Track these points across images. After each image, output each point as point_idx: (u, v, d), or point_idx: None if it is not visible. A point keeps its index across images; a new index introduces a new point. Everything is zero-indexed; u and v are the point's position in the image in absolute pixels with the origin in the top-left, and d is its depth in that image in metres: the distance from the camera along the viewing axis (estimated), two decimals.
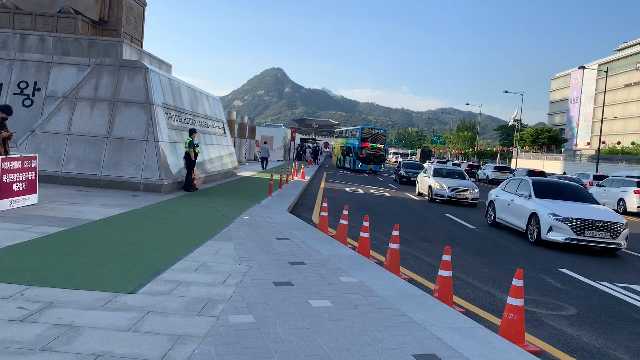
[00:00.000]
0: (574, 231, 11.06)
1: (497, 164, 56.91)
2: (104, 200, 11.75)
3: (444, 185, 20.23)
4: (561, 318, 6.26)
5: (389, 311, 5.26)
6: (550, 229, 11.36)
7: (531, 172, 40.69)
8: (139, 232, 8.49)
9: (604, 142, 60.00)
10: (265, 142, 34.46)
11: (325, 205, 10.55)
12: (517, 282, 5.03)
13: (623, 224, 11.23)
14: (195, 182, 15.77)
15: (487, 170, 45.24)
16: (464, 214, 17.12)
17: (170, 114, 16.13)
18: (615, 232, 11.10)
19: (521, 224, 12.75)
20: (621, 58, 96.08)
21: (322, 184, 25.14)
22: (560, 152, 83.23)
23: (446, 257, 6.14)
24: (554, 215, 11.38)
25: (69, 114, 14.72)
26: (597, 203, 12.78)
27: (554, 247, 11.77)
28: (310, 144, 65.54)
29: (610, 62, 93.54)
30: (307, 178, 26.33)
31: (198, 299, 5.21)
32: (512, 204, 13.50)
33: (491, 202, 15.07)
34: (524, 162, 77.47)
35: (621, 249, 11.43)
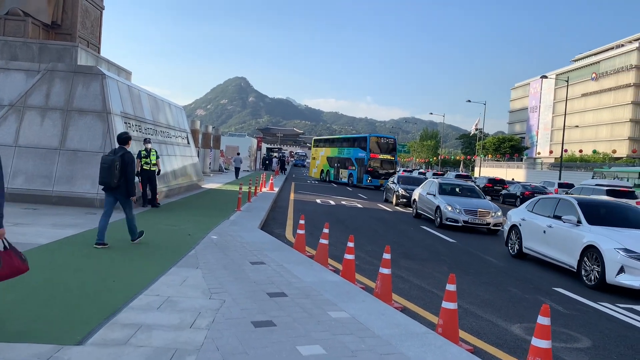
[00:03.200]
0: None
1: (459, 172, 57.34)
2: (54, 220, 10.56)
3: (458, 208, 15.98)
4: (578, 353, 5.56)
5: (393, 358, 4.42)
6: (621, 270, 8.45)
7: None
8: (93, 259, 7.43)
9: (566, 150, 61.15)
10: (238, 153, 37.40)
11: (302, 222, 9.67)
12: (543, 320, 4.29)
13: None
14: (158, 197, 14.64)
15: (448, 178, 45.28)
16: (434, 224, 16.48)
17: (129, 123, 14.99)
18: None
19: (569, 260, 9.73)
20: (578, 68, 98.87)
21: (292, 196, 24.24)
22: (522, 160, 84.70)
23: (451, 287, 5.35)
24: (627, 251, 8.49)
25: (16, 124, 13.41)
26: None
27: (537, 261, 11.20)
28: (276, 154, 64.56)
29: (567, 72, 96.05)
30: (276, 189, 25.39)
31: (162, 350, 4.26)
32: (551, 231, 10.54)
33: (514, 226, 12.11)
34: (486, 170, 78.41)
35: None
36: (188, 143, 22.30)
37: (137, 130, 15.58)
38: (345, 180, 38.94)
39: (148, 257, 7.80)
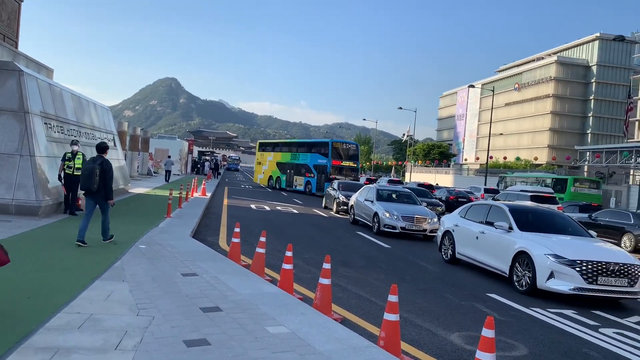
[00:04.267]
0: (584, 278, 8.42)
1: (391, 178, 58.62)
2: None
3: (396, 214, 16.08)
4: None
5: None
6: (551, 275, 8.64)
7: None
8: (5, 272, 6.73)
9: (491, 157, 63.89)
10: (169, 156, 36.62)
11: (237, 230, 9.30)
12: (487, 333, 4.23)
13: (639, 266, 8.75)
14: (80, 202, 13.73)
15: (382, 184, 46.06)
16: (372, 230, 16.53)
17: (50, 124, 14.00)
18: (633, 278, 8.57)
19: (502, 265, 9.87)
20: (502, 79, 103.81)
21: (225, 201, 23.64)
22: (450, 166, 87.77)
23: (392, 298, 5.21)
24: (556, 256, 8.69)
25: None
26: (591, 236, 10.33)
27: (470, 267, 11.42)
28: (209, 157, 63.25)
29: (492, 82, 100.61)
30: (209, 194, 24.68)
31: None
32: (484, 237, 10.69)
33: (447, 232, 12.23)
34: (417, 175, 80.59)
35: (639, 299, 9.12)
36: (114, 145, 21.23)
37: (59, 132, 14.58)
38: (301, 188, 36.71)
39: (69, 270, 7.19)
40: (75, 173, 12.86)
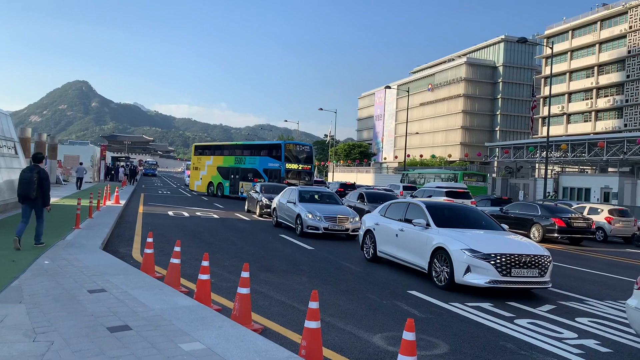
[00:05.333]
0: (499, 271, 8.68)
1: (315, 178, 58.93)
2: None
3: (319, 215, 15.99)
4: (438, 359, 5.60)
5: None
6: (468, 270, 8.85)
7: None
8: None
9: (408, 155, 65.86)
10: (81, 163, 36.05)
11: (150, 240, 8.79)
12: (408, 336, 4.14)
13: (549, 256, 9.21)
14: None
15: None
16: (295, 232, 16.38)
17: None
18: (543, 268, 8.98)
19: (421, 262, 10.03)
20: (416, 80, 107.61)
21: (141, 208, 22.60)
22: (370, 165, 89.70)
23: (313, 305, 5.04)
24: (472, 251, 8.90)
25: None
26: (503, 229, 10.65)
27: (391, 264, 11.53)
28: (123, 163, 60.62)
29: (407, 83, 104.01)
30: (123, 202, 23.47)
31: None
32: (403, 235, 10.84)
33: (369, 231, 12.34)
34: (339, 175, 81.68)
35: (549, 288, 9.36)
36: (16, 153, 19.65)
37: None
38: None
39: None
40: None
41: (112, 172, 51.47)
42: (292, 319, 6.79)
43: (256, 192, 23.91)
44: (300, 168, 31.83)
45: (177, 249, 7.82)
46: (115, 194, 24.13)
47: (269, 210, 21.54)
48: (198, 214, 21.89)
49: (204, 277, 6.80)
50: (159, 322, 5.68)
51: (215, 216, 21.28)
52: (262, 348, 5.00)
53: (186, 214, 21.29)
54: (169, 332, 5.33)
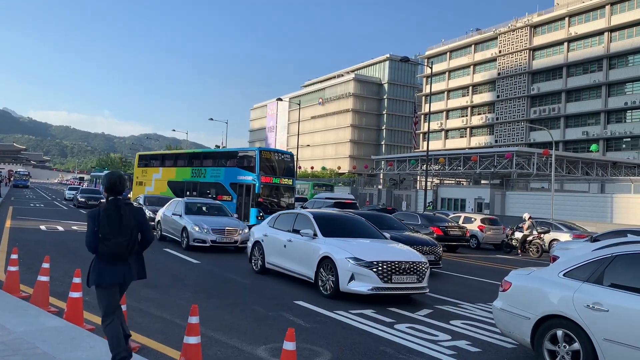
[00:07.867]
0: (380, 278, 9.00)
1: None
2: None
3: (206, 227, 15.47)
4: None
5: None
6: (352, 278, 9.10)
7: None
8: None
9: (300, 167, 66.71)
10: None
11: (14, 257, 8.02)
12: (288, 346, 4.15)
13: (426, 263, 9.69)
14: None
15: None
16: (181, 246, 15.86)
17: None
18: (421, 274, 9.42)
19: (308, 271, 10.15)
20: (308, 93, 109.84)
21: (8, 222, 20.61)
22: None
23: (193, 320, 4.91)
24: (355, 259, 9.18)
25: None
26: (385, 238, 11.13)
27: (280, 276, 11.54)
28: None
29: (299, 96, 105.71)
30: None
31: None
32: (291, 245, 10.89)
33: (257, 242, 12.19)
34: None
35: (426, 293, 9.78)
36: None
37: None
38: None
39: None
40: None
41: None
42: (172, 335, 6.53)
43: (139, 204, 22.80)
44: (280, 183, 25.25)
45: (45, 265, 7.22)
46: None
47: (152, 223, 20.51)
48: (74, 228, 20.42)
49: (75, 294, 6.33)
50: (20, 345, 5.18)
51: None
52: None
53: (61, 228, 19.77)
54: (32, 356, 4.88)
